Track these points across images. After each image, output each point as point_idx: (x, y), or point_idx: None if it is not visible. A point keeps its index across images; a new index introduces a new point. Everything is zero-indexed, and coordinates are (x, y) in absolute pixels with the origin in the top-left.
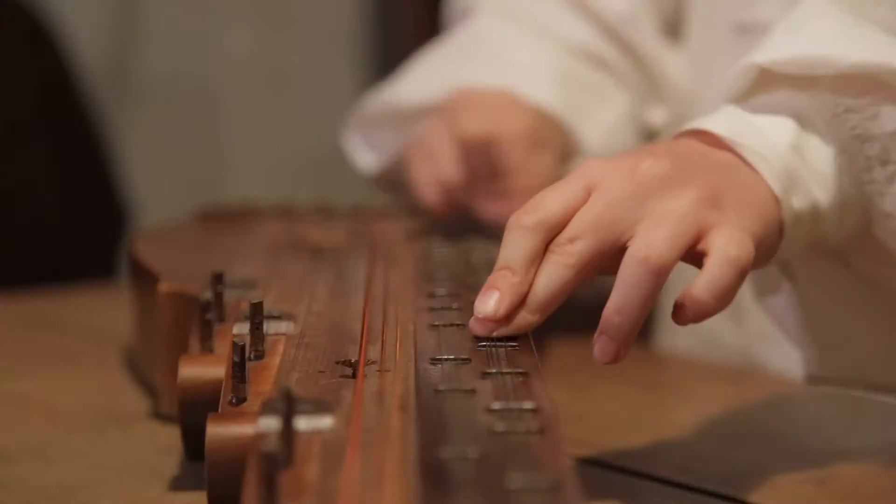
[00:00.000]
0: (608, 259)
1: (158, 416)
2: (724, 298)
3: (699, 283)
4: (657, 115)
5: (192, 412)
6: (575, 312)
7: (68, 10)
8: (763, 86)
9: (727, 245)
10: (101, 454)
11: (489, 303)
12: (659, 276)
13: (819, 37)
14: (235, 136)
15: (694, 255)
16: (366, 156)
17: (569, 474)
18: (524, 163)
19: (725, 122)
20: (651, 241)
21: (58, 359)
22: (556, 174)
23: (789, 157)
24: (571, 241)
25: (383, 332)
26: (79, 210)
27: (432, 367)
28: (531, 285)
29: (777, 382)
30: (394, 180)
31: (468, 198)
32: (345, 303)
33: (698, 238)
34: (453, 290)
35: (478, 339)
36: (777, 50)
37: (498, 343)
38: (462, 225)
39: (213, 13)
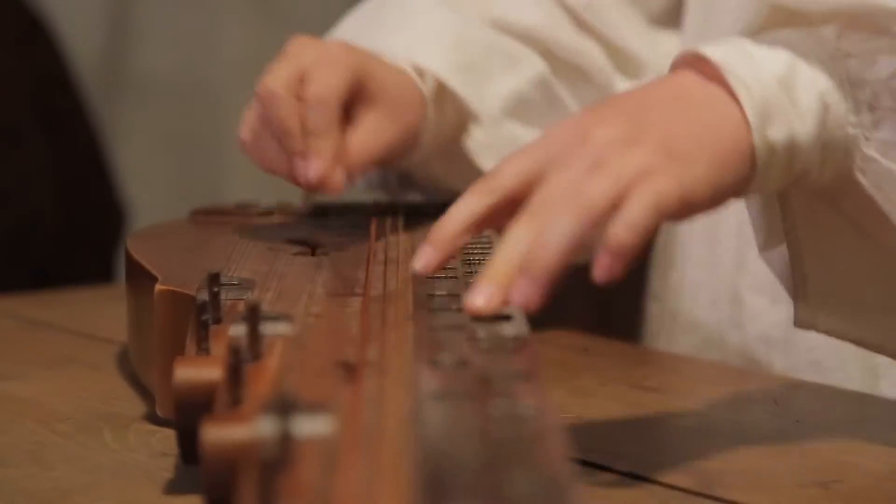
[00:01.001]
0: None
1: (154, 418)
2: (638, 233)
3: (616, 220)
4: (627, 85)
5: (188, 415)
6: (576, 312)
7: (63, 7)
8: (772, 21)
9: (648, 191)
10: (96, 457)
11: (421, 255)
12: (587, 217)
13: None
14: (233, 135)
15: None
16: None
17: (569, 477)
18: (325, 125)
19: (722, 48)
20: (589, 184)
21: (53, 361)
22: (389, 134)
23: (773, 88)
24: (534, 214)
25: (382, 334)
26: (74, 210)
27: (431, 368)
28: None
29: (779, 383)
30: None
31: (275, 160)
32: (343, 304)
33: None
34: (453, 290)
35: (477, 339)
36: None
37: (497, 343)
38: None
39: (210, 11)
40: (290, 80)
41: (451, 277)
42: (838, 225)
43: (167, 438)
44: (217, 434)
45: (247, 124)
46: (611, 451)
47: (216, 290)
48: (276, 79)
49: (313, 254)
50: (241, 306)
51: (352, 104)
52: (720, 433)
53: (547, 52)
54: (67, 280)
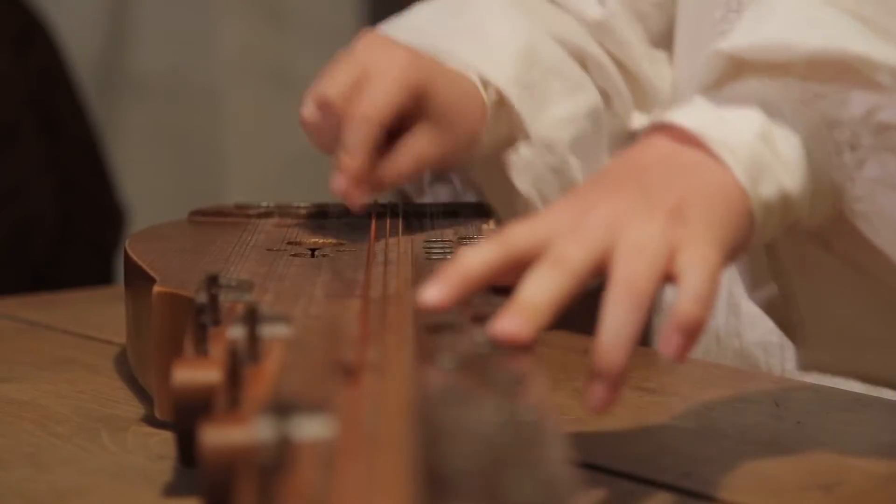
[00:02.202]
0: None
1: (152, 420)
2: (708, 306)
3: (683, 297)
4: (638, 122)
5: (187, 417)
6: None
7: (62, 7)
8: (733, 74)
9: (698, 261)
10: (93, 459)
11: (429, 290)
12: (644, 306)
13: (782, 23)
14: (231, 134)
15: (668, 278)
16: None
17: (569, 479)
18: (362, 146)
19: (692, 114)
20: (630, 271)
21: (51, 362)
22: (441, 152)
23: (756, 145)
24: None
25: (382, 335)
26: (73, 211)
27: (431, 370)
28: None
29: (781, 385)
30: None
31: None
32: (342, 305)
33: (671, 259)
34: None
35: (477, 340)
36: (741, 37)
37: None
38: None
39: (209, 11)
40: (347, 87)
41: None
42: (830, 264)
43: (165, 441)
44: (216, 436)
45: (308, 106)
46: (611, 453)
47: (215, 291)
48: (334, 85)
49: (312, 255)
50: (240, 308)
51: (410, 113)
52: (721, 435)
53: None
54: (66, 281)
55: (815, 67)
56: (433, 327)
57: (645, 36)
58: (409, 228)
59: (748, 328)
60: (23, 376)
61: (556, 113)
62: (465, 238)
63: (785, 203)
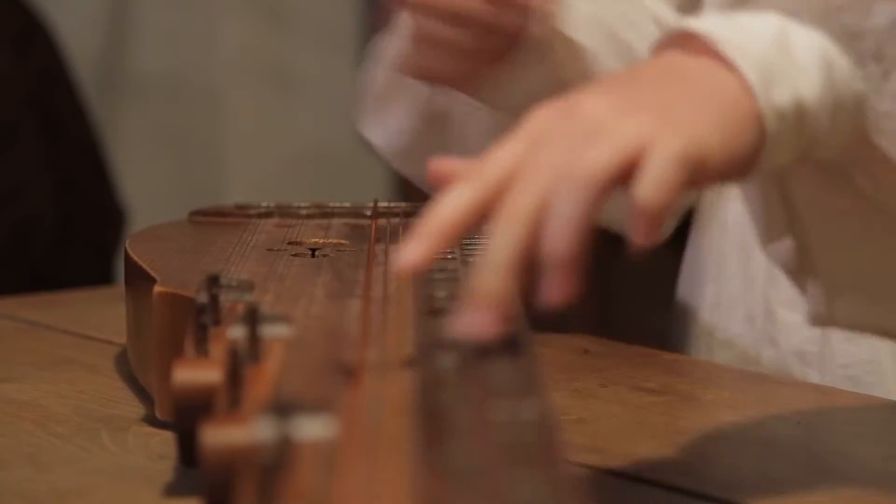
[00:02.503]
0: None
1: (153, 421)
2: (666, 191)
3: (639, 183)
4: None
5: (187, 417)
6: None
7: (62, 7)
8: None
9: (663, 151)
10: (94, 460)
11: (408, 249)
12: (594, 191)
13: None
14: (231, 134)
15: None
16: (380, 133)
17: (570, 480)
18: None
19: (705, 20)
20: (585, 158)
21: (51, 362)
22: None
23: (770, 48)
24: (519, 189)
25: (382, 336)
26: (73, 211)
27: (432, 370)
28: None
29: (786, 386)
30: (410, 157)
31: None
32: (343, 305)
33: (635, 156)
34: (453, 292)
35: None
36: None
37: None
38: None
39: (209, 11)
40: None
41: (453, 280)
42: (848, 208)
43: (166, 441)
44: (216, 436)
45: (394, 55)
46: (611, 453)
47: (215, 291)
48: None
49: (313, 255)
50: (241, 308)
51: None
52: (721, 435)
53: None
54: (66, 281)
55: None
56: (433, 312)
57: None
58: (410, 228)
59: (784, 336)
60: (23, 376)
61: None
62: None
63: (801, 112)
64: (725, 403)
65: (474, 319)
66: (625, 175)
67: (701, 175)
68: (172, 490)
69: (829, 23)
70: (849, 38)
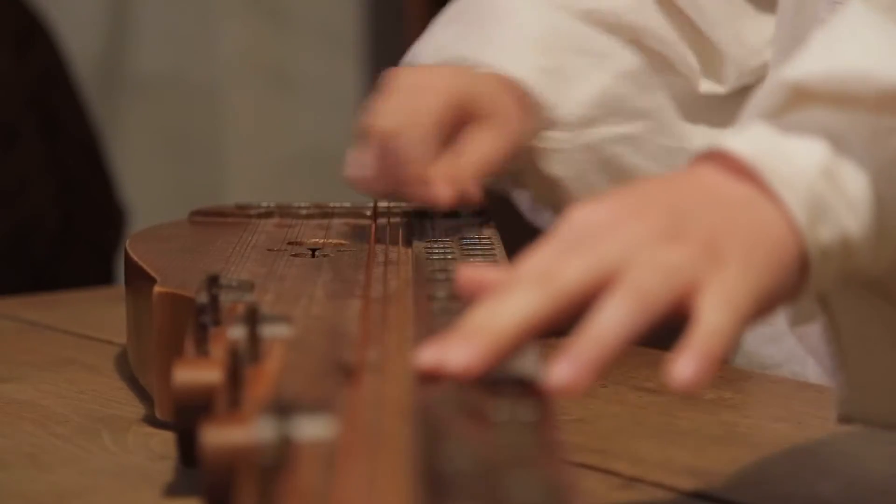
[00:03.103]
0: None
1: (153, 421)
2: (724, 346)
3: (697, 329)
4: (710, 88)
5: (188, 417)
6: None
7: (62, 7)
8: (797, 103)
9: (722, 302)
10: (94, 460)
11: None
12: (648, 316)
13: (859, 50)
14: (231, 134)
15: (680, 313)
16: None
17: (569, 480)
18: (425, 152)
19: (750, 141)
20: (643, 277)
21: (51, 363)
22: (504, 146)
23: (818, 181)
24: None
25: (382, 336)
26: (74, 212)
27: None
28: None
29: (786, 385)
30: None
31: (392, 183)
32: (343, 305)
33: (688, 294)
34: (453, 292)
35: None
36: (812, 64)
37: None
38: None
39: (209, 11)
40: (399, 114)
41: (452, 280)
42: (887, 315)
43: (166, 441)
44: (217, 436)
45: (361, 154)
46: (612, 454)
47: (215, 291)
48: (385, 116)
49: (313, 255)
50: (241, 308)
51: (462, 122)
52: (723, 435)
53: (637, 41)
54: (67, 281)
55: (887, 101)
56: (434, 329)
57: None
58: (410, 229)
59: (783, 335)
60: (23, 376)
61: (585, 89)
62: (465, 238)
63: (846, 249)
64: (725, 403)
65: (457, 351)
66: (673, 308)
67: (754, 318)
68: (173, 490)
69: (880, 146)
70: None
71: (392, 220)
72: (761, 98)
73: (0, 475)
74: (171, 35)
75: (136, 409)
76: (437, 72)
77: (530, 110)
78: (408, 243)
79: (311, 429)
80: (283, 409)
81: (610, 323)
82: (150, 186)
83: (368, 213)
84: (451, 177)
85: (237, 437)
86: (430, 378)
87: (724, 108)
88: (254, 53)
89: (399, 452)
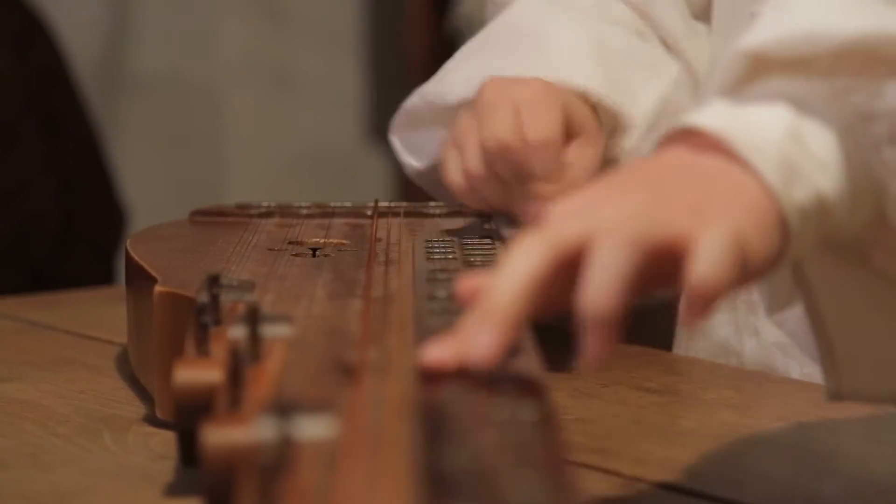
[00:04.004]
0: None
1: (154, 420)
2: (723, 271)
3: (696, 262)
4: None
5: (188, 417)
6: None
7: (63, 7)
8: (755, 73)
9: (709, 247)
10: (95, 459)
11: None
12: (638, 254)
13: (807, 12)
14: (231, 134)
15: (674, 260)
16: (409, 155)
17: (570, 479)
18: (555, 167)
19: (714, 115)
20: (631, 228)
21: (52, 362)
22: (598, 162)
23: (786, 144)
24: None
25: (383, 335)
26: (74, 211)
27: (432, 370)
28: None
29: (786, 385)
30: (436, 180)
31: (502, 201)
32: (344, 305)
33: (675, 244)
34: (454, 292)
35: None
36: (764, 32)
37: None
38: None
39: (209, 11)
40: (513, 125)
41: (453, 279)
42: (863, 280)
43: (167, 441)
44: (217, 436)
45: (455, 169)
46: (612, 453)
47: (216, 291)
48: (499, 126)
49: (314, 255)
50: (241, 308)
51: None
52: (722, 435)
53: (672, 46)
54: (67, 281)
55: (842, 60)
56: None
57: (686, 11)
58: (411, 228)
59: (766, 327)
60: (24, 376)
61: (648, 95)
62: (466, 238)
63: (822, 207)
64: (725, 403)
65: (475, 339)
66: (664, 255)
67: (745, 267)
68: (173, 490)
69: (840, 106)
70: (861, 121)
71: (393, 219)
72: (720, 74)
73: (1, 475)
74: (171, 35)
75: (137, 408)
76: (537, 84)
77: (602, 120)
78: (409, 243)
79: (312, 429)
80: (283, 408)
81: (605, 261)
82: (150, 186)
83: (369, 212)
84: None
85: (238, 437)
86: (448, 373)
87: None
88: (254, 53)
89: (399, 452)
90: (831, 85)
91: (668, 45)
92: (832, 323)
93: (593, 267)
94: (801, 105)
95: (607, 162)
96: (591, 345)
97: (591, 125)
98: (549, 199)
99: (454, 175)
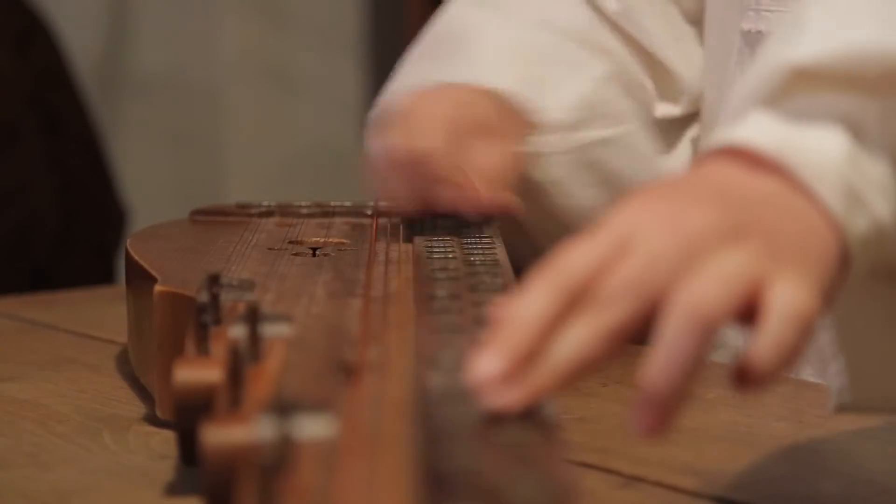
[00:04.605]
0: (642, 324)
1: (154, 420)
2: (789, 359)
3: (760, 342)
4: (666, 111)
5: (188, 416)
6: None
7: (63, 7)
8: (797, 87)
9: (790, 299)
10: (95, 459)
11: (485, 361)
12: (709, 332)
13: (859, 26)
14: (231, 134)
15: (749, 314)
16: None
17: (570, 479)
18: (451, 170)
19: (765, 133)
20: (701, 293)
21: (52, 362)
22: (512, 156)
23: (847, 170)
24: (605, 303)
25: (383, 335)
26: (74, 211)
27: (433, 370)
28: (547, 351)
29: (786, 385)
30: None
31: (419, 199)
32: (343, 304)
33: (754, 294)
34: (454, 291)
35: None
36: (813, 45)
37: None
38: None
39: (210, 10)
40: (403, 137)
41: (453, 279)
42: (872, 290)
43: (167, 440)
44: (217, 435)
45: (380, 180)
46: (613, 452)
47: (216, 291)
48: (394, 138)
49: (314, 254)
50: (241, 307)
51: (470, 136)
52: (723, 434)
53: (606, 52)
54: (67, 281)
55: (889, 77)
56: (435, 328)
57: (677, 17)
58: (410, 228)
59: None
60: (24, 376)
61: (566, 94)
62: (466, 237)
63: (880, 236)
64: (726, 403)
65: (501, 392)
66: (740, 314)
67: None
68: (173, 489)
69: (890, 127)
70: None
71: (393, 219)
72: (754, 84)
73: (1, 474)
74: (172, 35)
75: (137, 408)
76: (439, 93)
77: (517, 120)
78: (409, 242)
79: (312, 428)
80: (283, 408)
81: (670, 342)
82: (150, 186)
83: (369, 212)
84: (472, 185)
85: (238, 437)
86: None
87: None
88: (254, 53)
89: (399, 452)
90: (883, 104)
91: (650, 54)
92: (848, 334)
93: (664, 341)
94: (856, 126)
95: (530, 156)
96: (646, 419)
97: (499, 123)
98: (457, 199)
99: (376, 188)
